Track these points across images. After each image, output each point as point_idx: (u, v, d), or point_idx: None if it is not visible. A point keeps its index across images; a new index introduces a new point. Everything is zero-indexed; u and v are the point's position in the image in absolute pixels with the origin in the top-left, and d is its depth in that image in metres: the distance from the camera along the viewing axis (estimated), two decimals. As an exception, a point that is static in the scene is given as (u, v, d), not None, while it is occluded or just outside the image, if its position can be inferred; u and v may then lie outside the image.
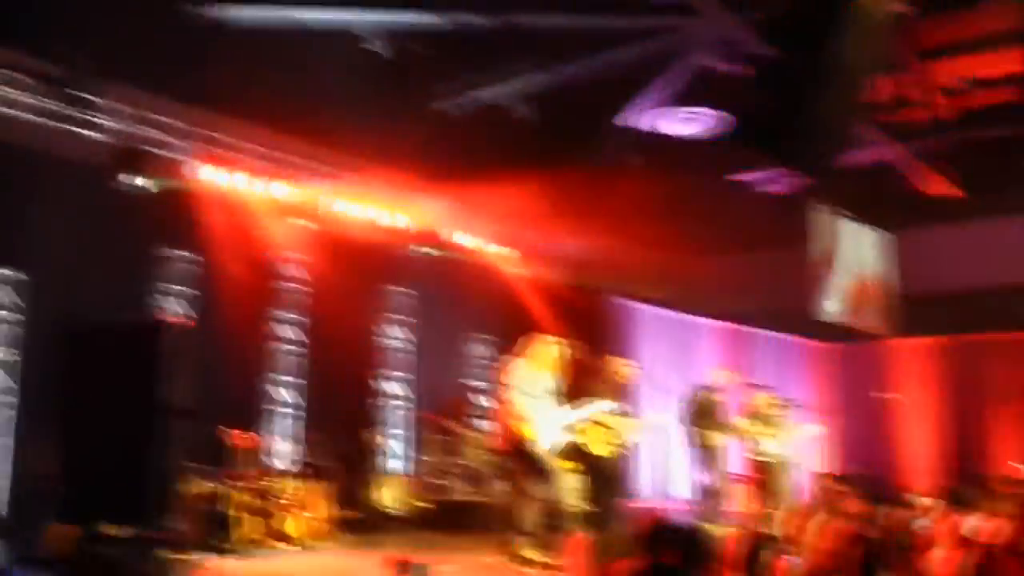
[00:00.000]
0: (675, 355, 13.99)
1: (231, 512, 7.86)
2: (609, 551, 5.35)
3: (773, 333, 15.43)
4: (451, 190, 10.97)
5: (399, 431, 12.10)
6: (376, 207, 10.44)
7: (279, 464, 9.50)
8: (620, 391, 8.08)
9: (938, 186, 11.69)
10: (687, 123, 10.06)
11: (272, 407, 10.53)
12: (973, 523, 5.08)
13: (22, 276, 8.11)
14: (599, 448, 7.79)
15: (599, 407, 7.38)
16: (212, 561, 7.00)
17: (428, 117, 9.40)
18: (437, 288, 11.67)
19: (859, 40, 4.47)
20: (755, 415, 9.77)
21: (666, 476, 13.00)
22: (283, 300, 10.81)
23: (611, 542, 5.97)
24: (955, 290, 13.49)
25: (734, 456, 10.54)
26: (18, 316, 8.10)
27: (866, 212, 13.04)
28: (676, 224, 11.90)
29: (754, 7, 7.11)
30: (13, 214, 7.73)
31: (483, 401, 11.93)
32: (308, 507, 8.49)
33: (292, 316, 10.91)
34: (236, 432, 8.65)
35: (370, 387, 11.75)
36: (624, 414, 7.89)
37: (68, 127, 8.12)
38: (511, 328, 10.20)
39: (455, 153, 9.30)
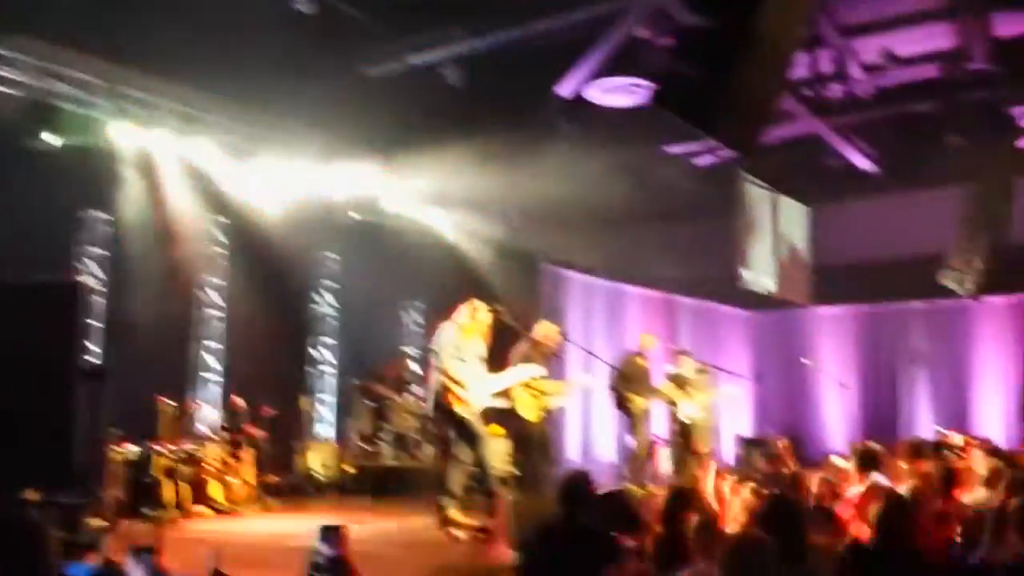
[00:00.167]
0: (604, 321, 14.20)
1: (157, 478, 7.78)
2: (534, 513, 5.45)
3: (698, 301, 15.76)
4: (381, 154, 10.88)
5: (328, 397, 12.08)
6: (303, 170, 10.28)
7: (206, 430, 9.40)
8: (549, 356, 8.19)
9: (856, 160, 12.04)
10: (618, 93, 10.14)
11: (199, 373, 10.41)
12: (883, 481, 5.33)
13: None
14: (527, 412, 7.91)
15: (527, 372, 7.48)
16: (138, 526, 6.93)
17: (358, 79, 9.30)
18: (366, 253, 11.60)
19: (781, 14, 4.57)
20: (679, 379, 10.01)
21: (593, 439, 13.26)
22: (207, 264, 10.64)
23: (536, 504, 6.09)
24: (870, 260, 13.98)
25: (659, 419, 10.81)
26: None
27: (788, 185, 13.37)
28: (605, 192, 12.03)
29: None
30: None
31: (413, 367, 11.96)
32: (235, 473, 8.44)
33: (216, 280, 10.76)
34: (162, 398, 8.54)
35: (298, 353, 11.68)
36: (552, 379, 8.02)
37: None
38: (442, 294, 10.23)
39: (385, 117, 9.20)
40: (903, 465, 8.14)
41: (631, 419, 9.37)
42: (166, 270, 9.34)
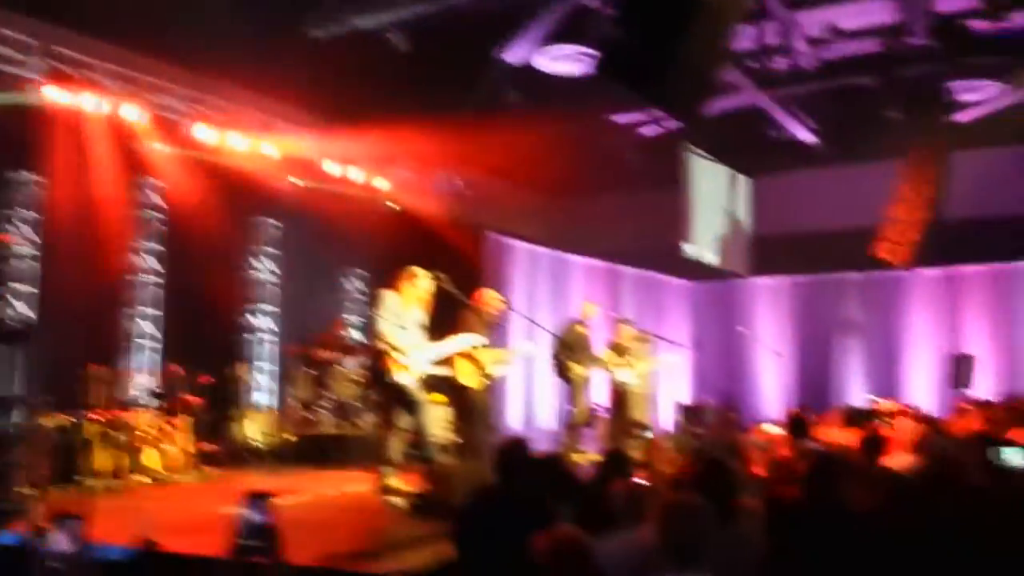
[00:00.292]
0: (547, 290, 14.25)
1: (89, 445, 7.62)
2: (472, 480, 5.47)
3: (641, 271, 15.90)
4: (323, 119, 10.70)
5: (267, 365, 11.93)
6: (243, 134, 10.07)
7: (139, 397, 9.23)
8: (491, 324, 8.19)
9: (797, 132, 12.18)
10: (565, 61, 10.09)
11: (132, 338, 10.19)
12: (813, 446, 5.46)
13: None
14: (469, 380, 7.91)
15: (468, 340, 7.47)
16: (69, 495, 6.79)
17: (301, 43, 9.09)
18: (307, 220, 11.42)
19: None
20: (618, 347, 10.10)
21: (534, 407, 13.35)
22: (142, 228, 10.39)
23: (474, 471, 6.11)
24: (808, 232, 14.23)
25: (599, 387, 10.91)
26: None
27: (730, 156, 13.50)
28: (550, 162, 12.01)
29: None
30: None
31: (353, 334, 11.88)
32: (168, 440, 8.31)
33: (152, 245, 10.52)
34: (95, 364, 8.35)
35: (235, 319, 11.50)
36: (494, 347, 8.02)
37: None
38: (383, 262, 10.15)
39: (328, 81, 9.04)
40: (834, 431, 8.36)
41: (571, 387, 9.43)
42: (99, 234, 9.10)
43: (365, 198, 11.81)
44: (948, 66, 10.16)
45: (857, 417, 8.58)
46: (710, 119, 10.56)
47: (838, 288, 15.66)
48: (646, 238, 14.05)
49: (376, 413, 9.76)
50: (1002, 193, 12.84)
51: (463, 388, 8.02)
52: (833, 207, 13.60)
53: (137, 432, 8.06)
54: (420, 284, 6.83)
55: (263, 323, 11.95)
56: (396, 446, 6.76)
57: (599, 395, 11.08)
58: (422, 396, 6.78)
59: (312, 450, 9.44)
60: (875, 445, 5.03)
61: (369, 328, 8.56)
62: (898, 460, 5.08)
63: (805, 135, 12.22)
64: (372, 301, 8.02)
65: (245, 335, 11.73)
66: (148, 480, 7.86)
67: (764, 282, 16.00)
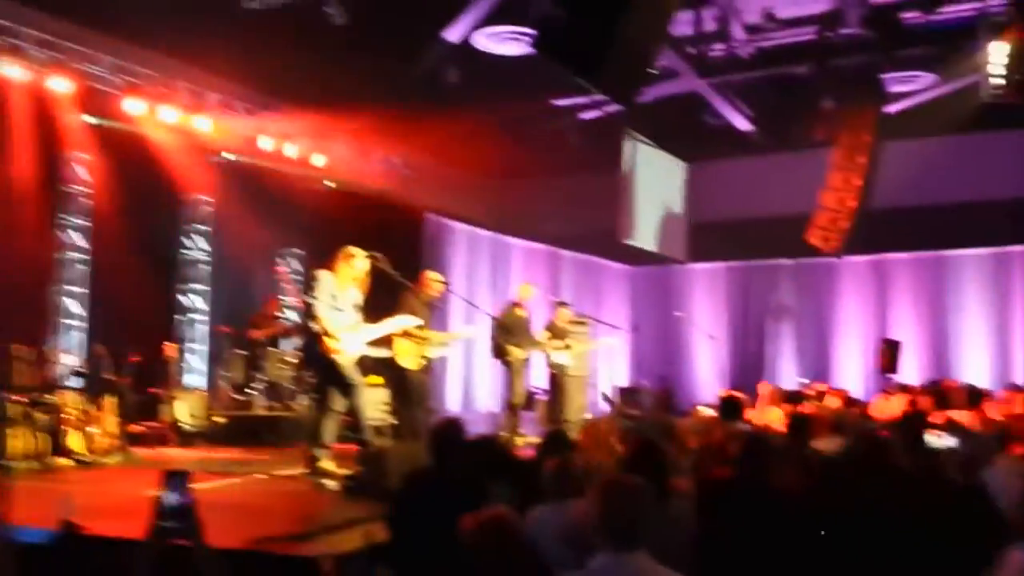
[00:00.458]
0: (487, 273, 14.23)
1: (10, 426, 7.35)
2: (407, 462, 5.42)
3: (579, 254, 15.97)
4: (257, 94, 10.46)
5: (199, 345, 11.69)
6: (174, 108, 9.78)
7: (64, 377, 8.95)
8: (431, 306, 8.13)
9: (734, 119, 12.32)
10: (505, 41, 10.02)
11: (58, 318, 9.88)
12: (745, 429, 5.54)
13: None
14: (407, 361, 7.85)
15: (404, 321, 7.39)
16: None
17: (234, 14, 8.85)
18: (241, 197, 11.18)
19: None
20: (557, 330, 10.13)
21: (473, 390, 13.34)
22: (68, 204, 10.05)
23: (409, 453, 6.06)
24: (743, 218, 14.45)
25: (537, 370, 10.94)
26: None
27: (669, 142, 13.61)
28: (491, 144, 11.96)
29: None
30: None
31: (287, 315, 11.69)
32: (96, 422, 8.06)
33: (78, 221, 10.19)
34: (17, 343, 8.06)
35: (167, 299, 11.23)
36: (434, 329, 7.97)
37: None
38: (320, 241, 10.00)
39: (262, 55, 8.82)
40: (766, 413, 8.52)
41: (509, 369, 9.42)
42: (23, 210, 8.78)
43: (301, 176, 11.58)
44: (881, 56, 10.35)
45: (788, 399, 8.76)
46: (648, 104, 10.61)
47: (771, 274, 15.96)
48: (586, 222, 14.11)
49: (310, 395, 9.65)
50: (929, 183, 13.19)
51: (401, 369, 7.95)
52: (767, 194, 13.83)
53: (62, 413, 7.81)
54: (356, 264, 6.72)
55: (195, 302, 11.69)
56: (330, 428, 6.67)
57: (538, 378, 11.12)
58: (358, 378, 6.69)
59: (244, 432, 9.27)
60: (802, 427, 5.12)
61: (303, 309, 8.41)
62: (826, 442, 5.18)
63: (741, 122, 12.37)
64: (307, 281, 7.89)
65: (176, 315, 11.47)
66: (71, 462, 7.62)
67: (700, 267, 16.22)
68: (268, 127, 10.71)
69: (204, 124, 10.08)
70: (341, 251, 6.76)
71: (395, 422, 9.82)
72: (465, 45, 9.96)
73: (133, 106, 9.50)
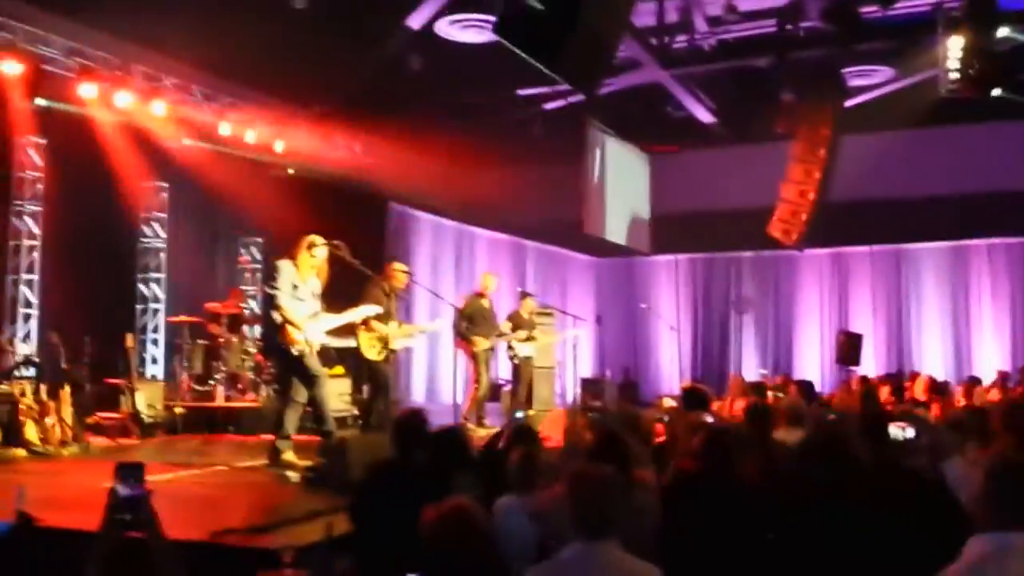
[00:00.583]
0: (452, 263, 14.19)
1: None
2: (371, 453, 5.38)
3: (544, 245, 15.98)
4: (217, 78, 10.28)
5: (158, 335, 11.52)
6: (131, 92, 9.57)
7: (18, 367, 8.77)
8: (395, 296, 8.07)
9: (696, 111, 12.37)
10: (469, 29, 9.97)
11: (15, 306, 9.67)
12: (707, 419, 5.57)
13: None
14: (370, 351, 7.79)
15: (364, 311, 7.32)
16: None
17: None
18: (201, 185, 11.00)
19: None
20: (521, 321, 10.11)
21: (438, 380, 13.29)
22: (20, 190, 9.83)
23: (372, 445, 6.02)
24: (705, 210, 14.56)
25: (502, 360, 10.92)
26: None
27: (631, 133, 13.65)
28: (455, 133, 11.90)
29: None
30: None
31: (249, 304, 11.55)
32: (52, 412, 7.91)
33: (34, 208, 9.97)
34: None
35: (125, 288, 11.05)
36: (397, 319, 7.91)
37: None
38: (280, 230, 9.88)
39: (222, 38, 8.66)
40: (729, 404, 8.59)
41: (473, 360, 9.40)
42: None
43: (261, 163, 11.41)
44: (840, 50, 10.45)
45: (753, 391, 8.83)
46: (611, 95, 10.62)
47: (733, 266, 16.10)
48: (550, 213, 14.11)
49: (272, 385, 9.55)
50: (888, 177, 13.38)
51: (364, 360, 7.89)
52: (728, 187, 13.93)
53: (16, 404, 7.65)
54: (317, 253, 6.65)
55: (153, 291, 11.51)
56: (292, 419, 6.61)
57: (502, 368, 11.11)
58: (319, 368, 6.63)
59: (204, 423, 9.16)
60: (762, 417, 5.16)
61: (263, 298, 8.32)
62: (786, 433, 5.22)
63: (703, 114, 12.43)
64: (267, 270, 7.79)
65: (136, 304, 11.29)
66: (26, 453, 7.47)
67: (663, 259, 16.32)
68: (227, 113, 10.54)
69: (161, 109, 9.87)
70: (301, 239, 6.69)
71: (356, 412, 9.81)
72: (428, 32, 9.88)
73: (87, 90, 9.29)
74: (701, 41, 10.73)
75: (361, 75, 9.97)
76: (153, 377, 10.79)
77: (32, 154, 9.90)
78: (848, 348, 13.05)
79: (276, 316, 6.47)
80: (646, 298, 15.97)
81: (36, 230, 9.89)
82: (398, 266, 8.26)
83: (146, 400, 8.99)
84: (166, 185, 11.42)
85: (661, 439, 5.15)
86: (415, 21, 9.67)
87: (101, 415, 8.79)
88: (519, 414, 7.39)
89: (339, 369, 9.62)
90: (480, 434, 8.53)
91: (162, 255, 11.57)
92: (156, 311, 11.51)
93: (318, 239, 6.68)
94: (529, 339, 10.05)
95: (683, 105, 12.20)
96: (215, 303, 10.40)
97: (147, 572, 2.47)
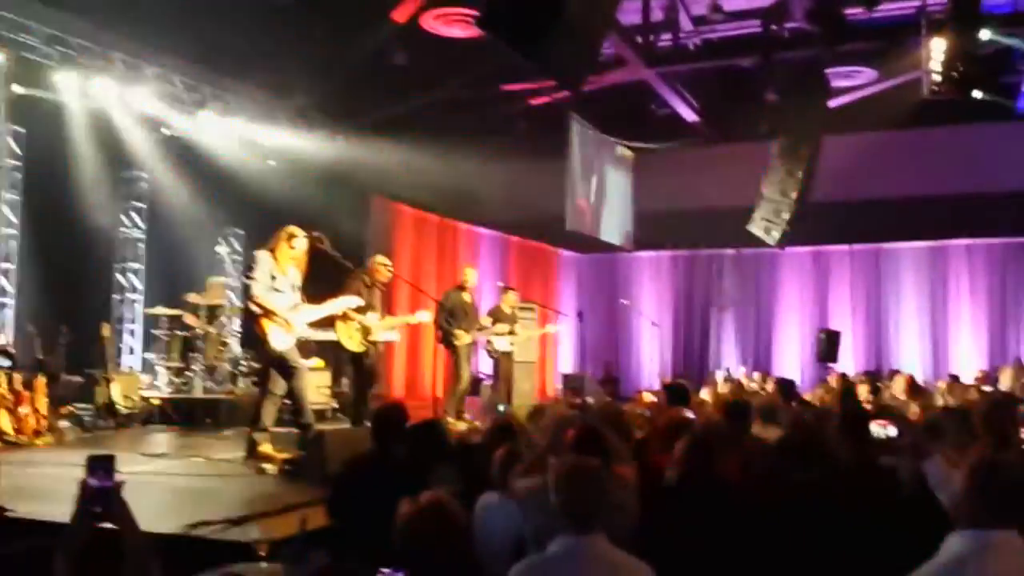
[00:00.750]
0: (434, 256, 14.14)
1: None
2: (349, 447, 5.36)
3: (526, 240, 15.97)
4: (199, 67, 10.17)
5: (135, 326, 11.40)
6: (112, 80, 9.45)
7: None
8: (378, 289, 8.03)
9: (680, 110, 12.38)
10: (454, 24, 9.93)
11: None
12: (688, 415, 5.57)
13: None
14: (350, 344, 7.73)
15: (343, 303, 7.27)
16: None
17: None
18: (180, 175, 10.89)
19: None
20: (503, 316, 10.10)
21: (419, 374, 13.25)
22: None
23: (351, 438, 5.99)
24: (686, 208, 14.59)
25: (482, 355, 10.90)
26: None
27: (616, 130, 13.65)
28: (440, 127, 11.85)
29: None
30: None
31: (228, 295, 11.45)
32: (26, 403, 7.81)
33: (10, 196, 9.82)
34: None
35: (103, 277, 10.92)
36: (376, 310, 7.86)
37: None
38: (262, 221, 9.80)
39: (205, 28, 8.58)
40: (708, 400, 8.61)
41: (455, 354, 9.36)
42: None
43: (244, 153, 11.30)
44: (824, 51, 10.49)
45: (731, 387, 8.86)
46: (596, 92, 10.62)
47: (714, 264, 16.16)
48: (533, 208, 14.09)
49: (250, 377, 9.48)
50: (869, 177, 13.46)
51: (348, 353, 7.85)
52: (711, 185, 13.97)
53: (-9, 394, 7.55)
54: (297, 244, 6.60)
55: (131, 281, 11.39)
56: (270, 411, 6.55)
57: (483, 363, 11.09)
58: (298, 361, 6.59)
59: (181, 414, 9.08)
60: (741, 414, 5.17)
61: (243, 290, 8.24)
62: (761, 429, 5.24)
63: (688, 113, 12.45)
64: (247, 262, 7.72)
65: (113, 294, 11.17)
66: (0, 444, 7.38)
67: (645, 255, 16.35)
68: (209, 102, 10.43)
69: (142, 98, 9.76)
70: (281, 231, 6.63)
71: (335, 405, 9.77)
72: (413, 26, 9.82)
73: (67, 78, 9.17)
74: (686, 40, 10.74)
75: (344, 68, 9.90)
76: (130, 368, 10.68)
77: (10, 142, 9.75)
78: (827, 345, 13.12)
79: (254, 308, 6.42)
80: (628, 294, 16.00)
81: (13, 219, 9.75)
82: (380, 259, 8.22)
83: (122, 391, 8.90)
84: (145, 174, 11.29)
85: (642, 435, 5.15)
86: (400, 15, 9.61)
87: (76, 406, 8.69)
88: (501, 408, 7.37)
89: (319, 362, 9.57)
90: (460, 428, 8.52)
91: (140, 245, 11.44)
92: (134, 301, 11.39)
93: (298, 230, 6.63)
94: (508, 334, 10.03)
95: (667, 103, 12.21)
96: (193, 294, 10.31)
97: (118, 564, 2.44)
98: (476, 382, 10.75)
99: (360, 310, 7.59)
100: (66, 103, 9.36)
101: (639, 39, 10.45)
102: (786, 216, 11.78)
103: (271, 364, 6.56)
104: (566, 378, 13.33)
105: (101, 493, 2.35)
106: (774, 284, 15.82)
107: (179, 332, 10.01)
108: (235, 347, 9.95)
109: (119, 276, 11.31)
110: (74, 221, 9.73)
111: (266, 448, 6.40)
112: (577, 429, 3.92)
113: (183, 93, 10.20)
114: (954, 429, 4.30)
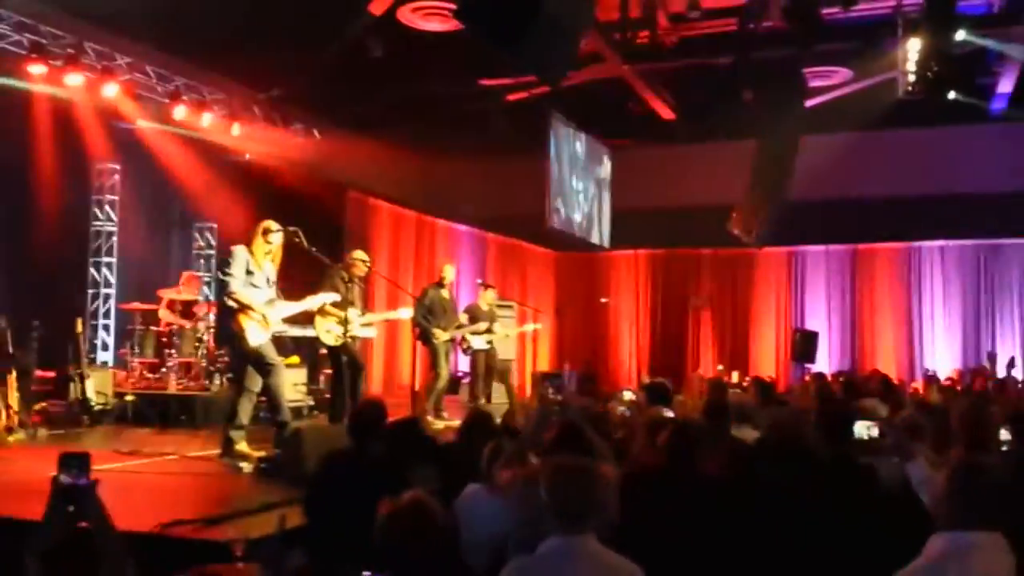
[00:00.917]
0: (412, 253, 14.08)
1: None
2: (326, 444, 5.30)
3: (505, 238, 15.94)
4: (172, 58, 10.03)
5: (108, 321, 11.26)
6: (82, 70, 9.29)
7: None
8: (356, 285, 7.97)
9: (657, 108, 12.39)
10: (432, 17, 9.86)
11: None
12: (667, 414, 5.57)
13: None
14: (326, 337, 7.67)
15: (322, 298, 7.21)
16: None
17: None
18: (153, 167, 10.75)
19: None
20: (478, 313, 10.06)
21: (397, 371, 13.19)
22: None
23: (328, 435, 5.93)
24: (665, 207, 14.64)
25: (461, 352, 10.85)
26: None
27: (593, 127, 13.65)
28: (416, 122, 11.79)
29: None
30: None
31: (203, 290, 11.34)
32: (-5, 400, 7.69)
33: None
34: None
35: (75, 272, 10.78)
36: (352, 306, 7.80)
37: None
38: (237, 215, 9.70)
39: (177, 16, 8.45)
40: (688, 399, 8.63)
41: (433, 351, 9.31)
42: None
43: (217, 146, 11.18)
44: (801, 50, 10.53)
45: (709, 386, 8.87)
46: (573, 88, 10.59)
47: (692, 263, 16.21)
48: (511, 205, 14.07)
49: (226, 374, 9.39)
50: (845, 177, 13.56)
51: (329, 349, 7.78)
52: (689, 184, 14.02)
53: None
54: (273, 239, 6.53)
55: (104, 275, 11.25)
56: (245, 408, 6.48)
57: (462, 360, 11.05)
58: (275, 357, 6.52)
59: (155, 411, 8.97)
60: (721, 413, 5.17)
61: (218, 284, 8.15)
62: (735, 429, 5.24)
63: (665, 111, 12.46)
64: (223, 255, 7.63)
65: (86, 289, 11.03)
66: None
67: (623, 254, 16.38)
68: (183, 94, 10.30)
69: (113, 89, 9.60)
70: (257, 225, 6.56)
71: (311, 403, 9.70)
72: (390, 18, 9.73)
73: (38, 68, 9.01)
74: (663, 37, 10.73)
75: (321, 60, 9.80)
76: (103, 363, 10.55)
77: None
78: (803, 345, 13.21)
79: (230, 303, 6.34)
80: (606, 292, 16.01)
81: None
82: (358, 254, 8.15)
83: (96, 387, 8.78)
84: (118, 167, 11.14)
85: (621, 434, 5.14)
86: (376, 7, 9.51)
87: (49, 402, 8.57)
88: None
89: (294, 358, 9.49)
90: (438, 426, 8.48)
91: (114, 239, 11.30)
92: (107, 296, 11.25)
93: (274, 224, 6.55)
94: (486, 332, 9.99)
95: (645, 101, 12.21)
96: (168, 289, 10.19)
97: (92, 564, 2.39)
98: (455, 380, 10.70)
99: (339, 305, 7.53)
100: (36, 93, 9.21)
101: (616, 35, 10.42)
102: (764, 216, 11.85)
103: (248, 360, 6.49)
104: (545, 376, 13.32)
105: (75, 491, 2.30)
106: (751, 283, 15.90)
107: (153, 327, 9.89)
108: (210, 343, 9.84)
109: (92, 270, 11.16)
110: (45, 214, 9.59)
111: (242, 446, 6.33)
112: (559, 427, 3.91)
113: (156, 83, 10.06)
114: (932, 428, 4.32)
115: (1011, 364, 12.69)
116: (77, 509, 2.33)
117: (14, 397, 7.83)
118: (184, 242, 11.61)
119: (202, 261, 12.05)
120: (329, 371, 8.77)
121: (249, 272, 6.36)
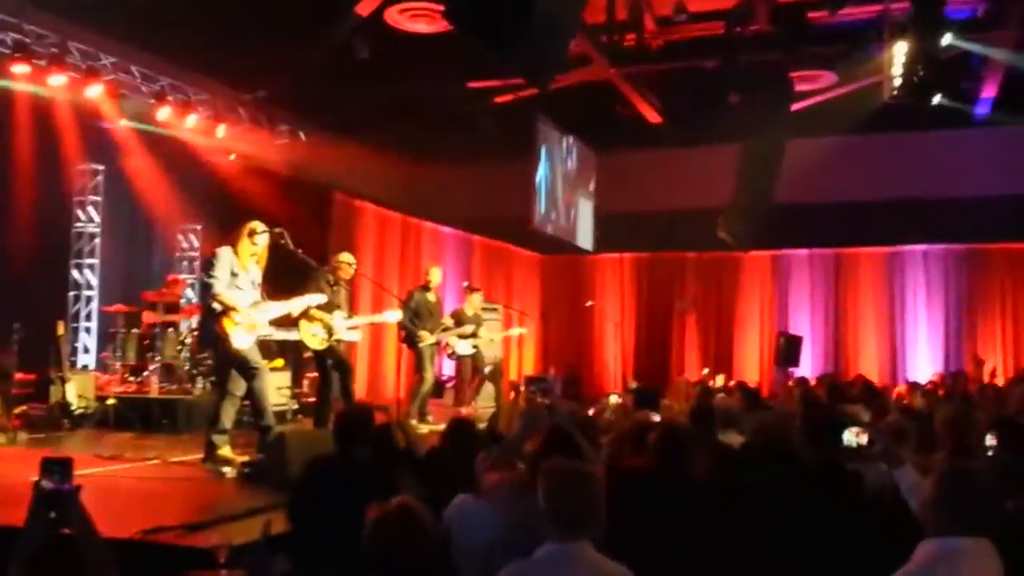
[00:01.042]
0: (397, 255, 14.02)
1: None
2: (311, 449, 5.26)
3: (491, 240, 15.91)
4: (156, 59, 9.96)
5: (91, 323, 11.16)
6: (66, 72, 9.21)
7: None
8: (342, 287, 7.93)
9: (644, 111, 12.41)
10: (420, 18, 9.83)
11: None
12: (653, 418, 5.57)
13: None
14: (311, 340, 7.62)
15: (307, 300, 7.15)
16: None
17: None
18: (138, 169, 10.67)
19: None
20: (463, 317, 10.03)
21: (382, 375, 13.12)
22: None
23: (313, 440, 5.89)
24: (651, 210, 14.66)
25: (447, 356, 10.82)
26: None
27: (579, 130, 13.65)
28: (402, 124, 11.76)
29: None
30: None
31: (186, 292, 11.26)
32: (-25, 403, 7.61)
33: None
34: None
35: (57, 274, 10.68)
36: (339, 309, 7.76)
37: None
38: (221, 217, 9.63)
39: (162, 16, 8.39)
40: (673, 403, 8.63)
41: (419, 355, 9.27)
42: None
43: (202, 148, 11.10)
44: (787, 54, 10.57)
45: (692, 389, 8.89)
46: (560, 91, 10.58)
47: (677, 266, 16.23)
48: (497, 208, 14.05)
49: (209, 378, 9.31)
50: (830, 181, 13.61)
51: (315, 352, 7.73)
52: (674, 187, 14.04)
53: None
54: (258, 240, 6.47)
55: (86, 277, 11.15)
56: (229, 412, 6.41)
57: (447, 364, 11.01)
58: (259, 360, 6.46)
59: (137, 415, 8.88)
60: (707, 417, 5.17)
61: (201, 286, 8.09)
62: (720, 434, 5.24)
63: (651, 114, 12.48)
64: (206, 257, 7.56)
65: (68, 291, 10.93)
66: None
67: (608, 257, 16.39)
68: (168, 95, 10.23)
69: (96, 90, 9.52)
70: (242, 226, 6.50)
71: (295, 407, 9.64)
72: (377, 19, 9.70)
73: (22, 67, 8.91)
74: (650, 40, 10.74)
75: (307, 62, 9.76)
76: (85, 367, 10.45)
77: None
78: (788, 349, 13.24)
79: (214, 305, 6.28)
80: (591, 296, 16.01)
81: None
82: (344, 257, 8.11)
83: (77, 390, 8.69)
84: (101, 168, 11.05)
85: (610, 437, 5.12)
86: (363, 8, 9.48)
87: (29, 405, 8.47)
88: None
89: (279, 362, 9.43)
90: (423, 430, 8.44)
91: (96, 240, 11.20)
92: (89, 298, 11.15)
93: (260, 225, 6.50)
94: (470, 336, 9.95)
95: (632, 104, 12.22)
96: (150, 291, 10.11)
97: (75, 571, 2.35)
98: (440, 384, 10.67)
99: (324, 308, 7.48)
100: (18, 92, 9.12)
101: (603, 38, 10.43)
102: (750, 220, 11.88)
103: (231, 364, 6.42)
104: (531, 380, 13.30)
105: (56, 497, 2.26)
106: (735, 288, 15.92)
107: (135, 330, 9.81)
108: (193, 346, 9.76)
109: (74, 272, 11.06)
110: (27, 215, 9.49)
111: (225, 451, 6.26)
112: (548, 432, 3.88)
113: (141, 84, 9.98)
114: (916, 433, 4.33)
115: (993, 373, 12.78)
116: (59, 515, 2.29)
117: (-7, 400, 7.75)
118: (167, 244, 11.52)
119: (185, 263, 11.96)
120: (314, 375, 8.72)
121: (234, 274, 6.30)
